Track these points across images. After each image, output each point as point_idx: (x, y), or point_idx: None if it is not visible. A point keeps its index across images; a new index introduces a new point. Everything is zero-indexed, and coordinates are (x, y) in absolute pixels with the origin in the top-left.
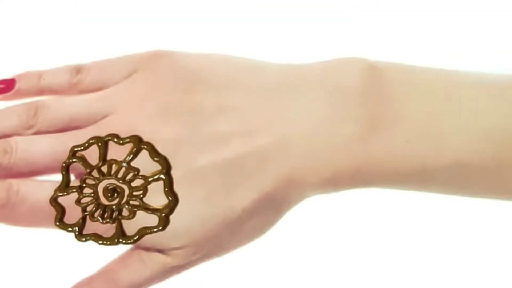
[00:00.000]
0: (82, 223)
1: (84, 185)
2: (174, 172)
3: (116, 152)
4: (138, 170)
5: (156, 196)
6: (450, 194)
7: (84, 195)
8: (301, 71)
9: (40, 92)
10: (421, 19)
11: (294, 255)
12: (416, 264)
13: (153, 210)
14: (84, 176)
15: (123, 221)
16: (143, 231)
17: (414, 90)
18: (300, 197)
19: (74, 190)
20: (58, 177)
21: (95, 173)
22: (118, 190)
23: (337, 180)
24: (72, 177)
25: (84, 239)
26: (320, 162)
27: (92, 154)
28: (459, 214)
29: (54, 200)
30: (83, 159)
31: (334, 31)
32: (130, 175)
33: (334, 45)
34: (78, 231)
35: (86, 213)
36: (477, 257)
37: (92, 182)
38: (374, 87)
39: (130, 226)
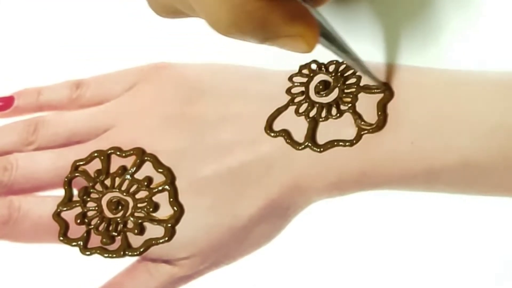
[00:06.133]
0: (86, 237)
1: (88, 199)
2: (178, 183)
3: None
4: (142, 182)
5: (161, 207)
6: (456, 193)
7: (87, 209)
8: None
9: (39, 108)
10: (421, 20)
11: (302, 261)
12: (426, 266)
13: (159, 221)
14: (86, 189)
15: (129, 233)
16: (149, 243)
17: (418, 91)
18: (306, 202)
19: (78, 204)
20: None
21: (98, 187)
22: (123, 202)
23: (343, 184)
24: (75, 191)
25: (89, 253)
26: (325, 166)
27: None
28: (468, 213)
29: (57, 215)
30: (85, 173)
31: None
32: (134, 187)
33: None
34: (82, 245)
35: (90, 227)
36: (486, 257)
37: (96, 195)
38: None
39: (136, 238)
